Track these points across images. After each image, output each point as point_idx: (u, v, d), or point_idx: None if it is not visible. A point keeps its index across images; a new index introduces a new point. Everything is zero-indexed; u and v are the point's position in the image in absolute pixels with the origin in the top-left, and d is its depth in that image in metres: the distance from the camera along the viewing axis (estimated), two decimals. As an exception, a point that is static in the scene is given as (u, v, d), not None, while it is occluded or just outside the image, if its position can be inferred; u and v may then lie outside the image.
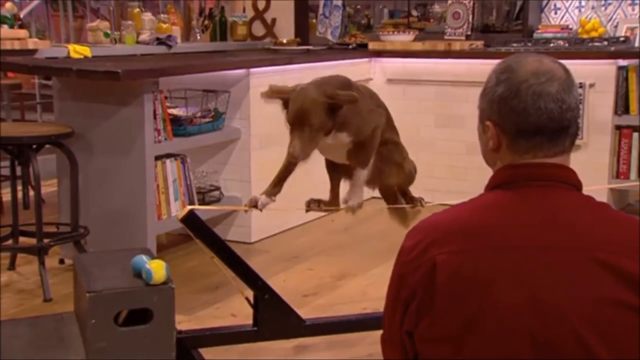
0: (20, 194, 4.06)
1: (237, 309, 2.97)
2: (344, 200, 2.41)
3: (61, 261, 3.62)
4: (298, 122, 2.14)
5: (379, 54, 4.89)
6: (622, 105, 4.34)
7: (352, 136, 2.26)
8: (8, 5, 4.89)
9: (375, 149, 2.34)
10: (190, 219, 2.33)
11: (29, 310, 3.09)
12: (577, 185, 1.36)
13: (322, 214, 3.76)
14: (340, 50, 5.08)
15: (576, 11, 5.14)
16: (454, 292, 1.27)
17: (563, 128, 1.33)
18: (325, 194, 2.57)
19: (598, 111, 4.34)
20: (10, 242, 3.48)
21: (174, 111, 3.64)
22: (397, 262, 1.39)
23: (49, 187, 4.45)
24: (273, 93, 2.23)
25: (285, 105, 2.20)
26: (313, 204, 2.50)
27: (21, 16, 4.95)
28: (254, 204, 2.31)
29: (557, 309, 1.22)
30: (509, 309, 1.23)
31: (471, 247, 1.28)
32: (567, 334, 1.22)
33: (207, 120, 3.72)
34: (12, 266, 3.58)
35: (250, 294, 2.48)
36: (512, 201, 1.34)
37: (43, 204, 4.56)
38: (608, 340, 1.22)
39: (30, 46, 4.53)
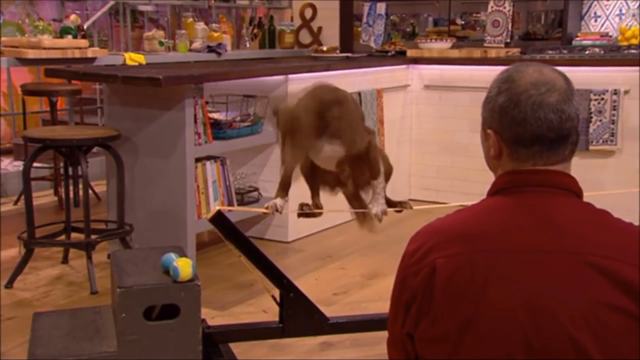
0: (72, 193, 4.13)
1: (269, 306, 2.94)
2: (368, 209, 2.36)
3: (109, 256, 3.66)
4: (289, 130, 2.14)
5: (417, 61, 4.82)
6: (657, 111, 4.18)
7: (345, 148, 2.22)
8: (72, 17, 5.02)
9: (379, 158, 2.30)
10: (218, 219, 2.32)
11: (77, 301, 3.14)
12: (577, 191, 1.32)
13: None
14: (379, 58, 5.02)
15: (617, 19, 4.97)
16: (451, 294, 1.24)
17: (563, 137, 1.29)
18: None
19: (632, 117, 4.20)
20: (63, 237, 3.54)
21: (215, 115, 3.65)
22: (400, 265, 1.38)
23: (104, 186, 4.52)
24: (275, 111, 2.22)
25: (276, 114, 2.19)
26: (306, 207, 2.46)
27: (84, 27, 5.06)
28: (275, 209, 2.29)
29: (550, 312, 1.18)
30: (504, 312, 1.20)
31: (469, 250, 1.25)
32: (560, 336, 1.17)
33: (246, 124, 3.72)
34: (65, 260, 3.65)
35: (277, 292, 2.46)
36: (511, 206, 1.30)
37: (99, 202, 4.67)
38: (602, 343, 1.17)
39: (89, 55, 4.64)
